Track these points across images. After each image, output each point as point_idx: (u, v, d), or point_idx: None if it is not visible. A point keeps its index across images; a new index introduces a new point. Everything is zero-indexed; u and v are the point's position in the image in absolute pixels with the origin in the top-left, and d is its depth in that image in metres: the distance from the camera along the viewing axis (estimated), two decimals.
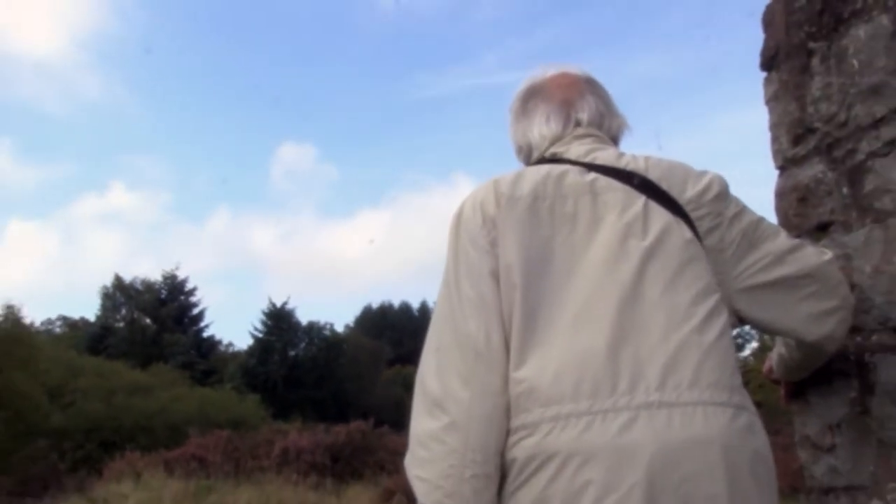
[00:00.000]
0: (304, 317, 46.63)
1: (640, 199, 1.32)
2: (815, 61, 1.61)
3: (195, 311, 43.67)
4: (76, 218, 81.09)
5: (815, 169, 1.62)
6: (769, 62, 1.75)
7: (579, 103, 1.51)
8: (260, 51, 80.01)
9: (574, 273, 1.28)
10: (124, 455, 12.47)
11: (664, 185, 1.34)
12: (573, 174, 1.36)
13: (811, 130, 1.62)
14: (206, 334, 44.12)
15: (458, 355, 1.25)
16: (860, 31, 1.49)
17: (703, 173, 1.38)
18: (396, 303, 61.36)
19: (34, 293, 77.83)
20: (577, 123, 1.49)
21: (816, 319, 1.38)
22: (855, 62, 1.50)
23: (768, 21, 1.75)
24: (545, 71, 1.58)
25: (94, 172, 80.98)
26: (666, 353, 1.20)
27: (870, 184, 1.48)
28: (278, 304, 43.81)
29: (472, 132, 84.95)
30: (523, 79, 1.60)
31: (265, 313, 43.66)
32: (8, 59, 69.40)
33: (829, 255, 1.43)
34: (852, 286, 1.47)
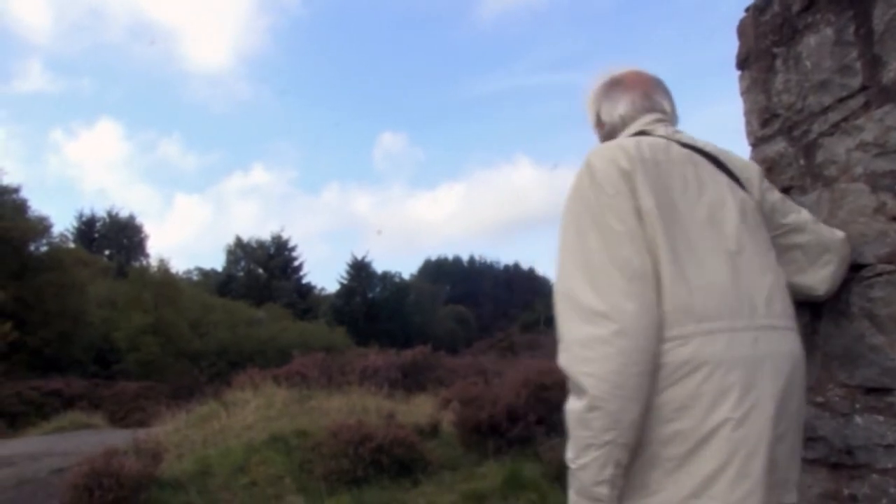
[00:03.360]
0: (379, 267, 46.93)
1: (721, 174, 1.33)
2: (778, 62, 1.60)
3: (295, 263, 44.44)
4: (226, 192, 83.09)
5: (778, 146, 1.62)
6: (742, 63, 1.74)
7: (658, 95, 1.50)
8: (369, 63, 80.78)
9: (693, 222, 1.26)
10: (246, 371, 12.85)
11: (729, 166, 1.35)
12: (675, 146, 1.32)
13: (776, 116, 1.62)
14: (304, 281, 44.94)
15: (618, 276, 1.18)
16: (811, 40, 1.49)
17: (747, 160, 1.41)
18: (451, 256, 61.49)
19: (186, 249, 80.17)
20: (662, 110, 1.47)
21: (827, 279, 1.42)
22: (808, 63, 1.50)
23: (741, 32, 1.74)
24: (620, 68, 1.55)
25: (242, 155, 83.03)
26: (763, 289, 1.24)
27: (820, 156, 1.49)
28: (359, 258, 44.39)
29: (526, 122, 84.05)
30: (595, 73, 1.59)
31: (349, 264, 44.23)
32: (184, 74, 72.50)
33: (840, 234, 1.42)
34: None
